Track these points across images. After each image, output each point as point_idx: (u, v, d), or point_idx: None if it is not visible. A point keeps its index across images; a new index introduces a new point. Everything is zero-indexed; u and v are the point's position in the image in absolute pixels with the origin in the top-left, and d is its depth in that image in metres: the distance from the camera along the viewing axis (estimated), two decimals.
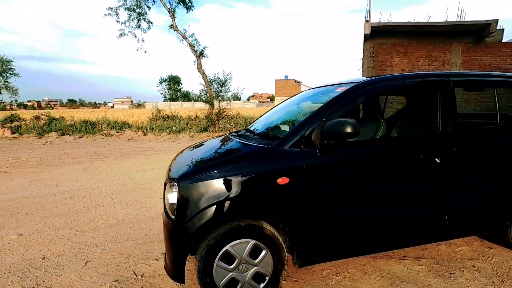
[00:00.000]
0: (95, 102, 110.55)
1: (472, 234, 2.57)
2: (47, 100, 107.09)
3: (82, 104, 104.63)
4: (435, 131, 2.23)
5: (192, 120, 15.52)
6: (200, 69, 15.97)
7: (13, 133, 13.35)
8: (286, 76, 62.45)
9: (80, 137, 12.74)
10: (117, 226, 3.44)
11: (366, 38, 11.97)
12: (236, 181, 1.85)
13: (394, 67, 11.66)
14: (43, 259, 2.72)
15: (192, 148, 2.69)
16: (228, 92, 15.89)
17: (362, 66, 13.40)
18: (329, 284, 2.23)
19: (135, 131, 13.20)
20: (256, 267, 1.91)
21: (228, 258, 1.87)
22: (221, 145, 2.43)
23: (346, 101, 2.10)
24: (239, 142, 2.29)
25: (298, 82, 59.53)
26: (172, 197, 1.88)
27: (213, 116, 14.98)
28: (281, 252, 1.95)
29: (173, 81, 58.82)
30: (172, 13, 15.61)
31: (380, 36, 11.85)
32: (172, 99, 58.76)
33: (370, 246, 2.14)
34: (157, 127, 14.26)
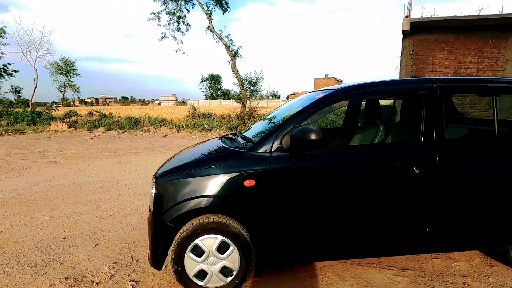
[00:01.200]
0: (144, 99, 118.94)
1: (462, 249, 2.42)
2: (104, 97, 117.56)
3: (133, 101, 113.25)
4: (418, 139, 2.16)
5: (224, 118, 16.03)
6: (234, 68, 16.43)
7: (69, 127, 15.09)
8: (326, 75, 60.92)
9: (123, 132, 13.97)
10: (130, 215, 3.83)
11: (405, 34, 11.28)
12: (206, 180, 2.02)
13: (437, 65, 10.83)
14: (64, 239, 3.17)
15: (187, 148, 2.93)
16: (260, 91, 16.10)
17: (400, 65, 12.67)
18: (302, 285, 2.30)
19: (170, 128, 14.07)
20: (223, 262, 2.07)
21: (198, 251, 2.05)
22: (207, 146, 2.62)
23: (316, 109, 2.15)
24: (221, 145, 2.45)
25: (339, 81, 57.66)
26: (153, 192, 2.12)
27: (244, 115, 15.33)
28: (248, 249, 2.07)
29: (214, 80, 60.96)
30: (209, 15, 16.25)
31: (421, 32, 11.06)
32: (213, 97, 60.95)
33: (332, 253, 2.17)
34: (191, 124, 15.01)
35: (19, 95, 33.00)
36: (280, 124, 2.13)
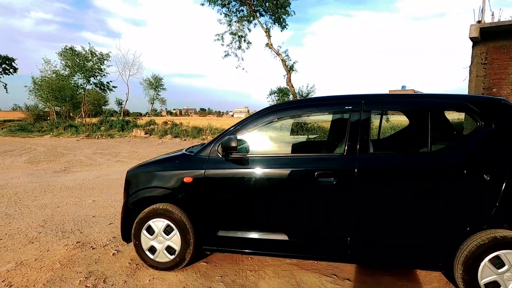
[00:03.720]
0: (220, 111, 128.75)
1: (388, 265, 2.37)
2: (186, 109, 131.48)
3: (210, 112, 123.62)
4: (341, 152, 2.31)
5: None
6: (289, 82, 16.93)
7: (146, 134, 17.80)
8: (403, 87, 55.92)
9: (185, 140, 15.81)
10: None
11: (476, 42, 10.07)
12: (159, 175, 2.60)
13: None
14: (93, 217, 4.14)
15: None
16: None
17: (470, 75, 11.23)
18: (238, 275, 2.62)
19: None
20: (168, 242, 2.58)
21: (151, 230, 2.61)
22: (176, 151, 3.19)
23: (251, 120, 2.51)
24: (184, 149, 2.98)
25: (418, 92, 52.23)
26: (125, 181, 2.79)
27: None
28: (187, 234, 2.53)
29: (282, 93, 62.37)
30: (268, 33, 17.25)
31: (497, 38, 9.74)
32: None
33: (253, 245, 2.43)
34: None
35: (121, 106, 40.21)
36: (221, 133, 2.56)
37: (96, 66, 24.94)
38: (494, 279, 2.09)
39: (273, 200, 2.40)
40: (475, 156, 2.13)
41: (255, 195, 2.42)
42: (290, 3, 16.75)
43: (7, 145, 13.55)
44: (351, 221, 2.27)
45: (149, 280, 2.50)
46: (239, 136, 2.64)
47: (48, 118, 28.01)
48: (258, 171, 2.41)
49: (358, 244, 2.26)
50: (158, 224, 2.58)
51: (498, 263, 2.09)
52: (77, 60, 24.24)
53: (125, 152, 11.26)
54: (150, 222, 2.60)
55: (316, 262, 2.84)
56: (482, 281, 2.11)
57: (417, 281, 2.56)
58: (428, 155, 2.19)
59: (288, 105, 2.54)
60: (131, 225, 2.68)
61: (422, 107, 2.31)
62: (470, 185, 2.10)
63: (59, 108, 29.16)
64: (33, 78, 26.06)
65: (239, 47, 17.81)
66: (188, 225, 2.54)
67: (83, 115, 26.68)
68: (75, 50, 24.56)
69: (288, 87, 17.09)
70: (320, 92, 19.68)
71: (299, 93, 16.58)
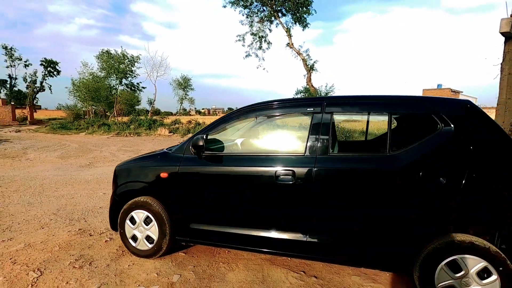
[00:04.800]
0: None
1: (347, 264, 2.39)
2: (214, 108, 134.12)
3: None
4: (302, 152, 2.39)
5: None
6: (309, 82, 16.80)
7: (169, 132, 18.62)
8: (439, 85, 52.60)
9: None
10: None
11: (508, 37, 9.38)
12: (141, 170, 2.85)
13: None
14: (100, 208, 4.53)
15: None
16: None
17: (501, 73, 10.45)
18: (210, 266, 2.79)
19: None
20: (147, 231, 2.82)
21: (133, 221, 2.87)
22: (160, 149, 3.42)
23: (222, 121, 2.67)
24: (166, 148, 3.21)
25: (456, 92, 48.79)
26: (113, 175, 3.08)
27: None
28: (164, 225, 2.75)
29: (308, 92, 61.58)
30: (288, 32, 17.24)
31: None
32: None
33: (221, 239, 2.58)
34: None
35: (152, 106, 42.33)
36: (196, 132, 2.75)
37: (127, 68, 26.47)
38: (450, 283, 2.07)
39: (238, 196, 2.54)
40: (431, 158, 2.11)
41: (222, 191, 2.58)
42: (311, 2, 16.61)
43: (47, 141, 14.92)
44: (309, 218, 2.35)
45: (129, 265, 2.76)
46: (214, 136, 2.81)
47: (86, 116, 30.22)
48: (226, 169, 2.56)
49: (315, 241, 2.33)
50: (139, 215, 2.83)
51: (455, 267, 2.06)
52: (112, 62, 25.95)
53: (147, 150, 11.91)
54: (133, 213, 2.86)
55: (289, 259, 2.93)
56: (439, 285, 2.10)
57: (384, 283, 2.57)
58: (386, 157, 2.20)
59: (255, 106, 2.66)
60: (117, 215, 2.96)
61: (382, 109, 2.31)
62: (425, 188, 2.09)
63: (95, 108, 31.31)
64: (72, 80, 28.30)
65: (260, 47, 17.99)
66: (165, 217, 2.75)
67: (115, 114, 28.42)
68: (111, 53, 26.32)
69: (308, 87, 16.96)
70: (339, 91, 19.25)
71: (318, 93, 16.40)
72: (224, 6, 17.19)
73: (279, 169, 2.36)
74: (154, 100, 30.44)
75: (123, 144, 14.04)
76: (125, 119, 25.27)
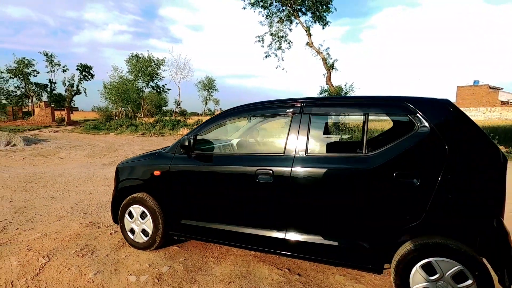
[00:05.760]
0: None
1: (323, 261, 2.39)
2: None
3: None
4: (281, 152, 2.45)
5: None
6: (328, 81, 16.54)
7: None
8: (476, 82, 49.17)
9: None
10: None
11: None
12: (138, 169, 3.06)
13: None
14: None
15: None
16: None
17: None
18: (200, 260, 2.94)
19: None
20: (143, 225, 3.03)
21: (131, 215, 3.09)
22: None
23: (209, 122, 2.81)
24: (161, 148, 3.40)
25: (495, 88, 45.29)
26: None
27: (340, 125, 15.17)
28: (157, 220, 2.94)
29: (328, 92, 60.34)
30: (308, 31, 17.08)
31: None
32: None
33: (208, 234, 2.71)
34: None
35: (179, 107, 43.97)
36: (186, 134, 2.91)
37: (154, 71, 27.65)
38: (425, 285, 2.04)
39: (221, 194, 2.66)
40: (406, 159, 2.09)
41: (207, 189, 2.71)
42: (332, 0, 16.34)
43: (79, 141, 16.03)
44: (287, 216, 2.41)
45: (125, 256, 2.98)
46: (203, 136, 2.96)
47: (116, 117, 31.94)
48: (210, 167, 2.70)
49: (293, 239, 2.39)
50: (136, 210, 3.05)
51: (430, 270, 2.03)
52: (140, 65, 27.28)
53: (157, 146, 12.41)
54: (131, 208, 3.08)
55: (277, 256, 3.00)
56: (414, 287, 2.08)
57: (368, 284, 2.56)
58: (361, 157, 2.21)
59: (238, 108, 2.77)
60: (118, 209, 3.20)
61: (359, 109, 2.32)
62: (399, 189, 2.08)
63: (125, 109, 33.00)
64: (104, 83, 30.07)
65: (279, 48, 17.98)
66: (159, 212, 2.94)
67: (142, 115, 29.78)
68: (139, 57, 27.66)
69: (328, 86, 16.69)
70: (359, 90, 18.69)
71: (338, 92, 16.09)
72: (244, 8, 17.38)
73: (259, 168, 2.45)
74: (180, 101, 31.53)
75: (146, 143, 14.72)
76: (151, 119, 26.43)
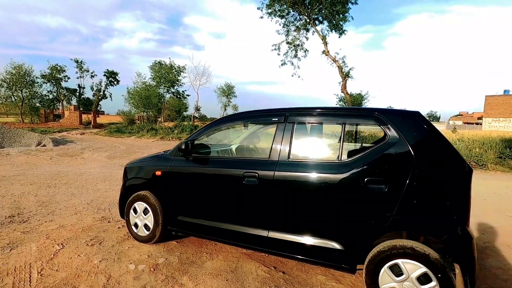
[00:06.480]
0: None
1: (298, 259, 2.56)
2: None
3: None
4: (266, 157, 2.68)
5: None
6: (344, 89, 16.53)
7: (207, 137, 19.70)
8: (506, 91, 46.84)
9: None
10: None
11: None
12: (143, 169, 3.39)
13: None
14: None
15: None
16: None
17: None
18: (195, 255, 3.19)
19: None
20: (145, 220, 3.33)
21: (135, 211, 3.42)
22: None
23: (206, 128, 3.09)
24: (164, 151, 3.71)
25: None
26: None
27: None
28: (157, 216, 3.23)
29: (344, 100, 59.59)
30: (324, 40, 17.23)
31: None
32: None
33: (201, 230, 2.95)
34: None
35: (199, 112, 45.21)
36: (186, 138, 3.21)
37: (174, 78, 28.72)
38: (393, 286, 2.18)
39: (213, 194, 2.92)
40: (376, 166, 2.25)
41: (201, 189, 2.98)
42: (349, 9, 16.44)
43: (102, 143, 16.96)
44: (270, 216, 2.62)
45: (128, 247, 3.29)
46: (203, 141, 3.25)
47: (138, 121, 33.34)
48: (205, 169, 2.97)
49: (274, 237, 2.59)
50: (140, 206, 3.37)
51: (398, 271, 2.17)
52: (162, 72, 28.49)
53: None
54: (135, 204, 3.40)
55: (266, 255, 3.20)
56: (382, 287, 2.21)
57: (347, 284, 2.70)
58: (336, 164, 2.39)
59: (231, 117, 3.03)
60: (124, 205, 3.54)
61: (336, 119, 2.50)
62: (369, 194, 2.24)
63: (146, 114, 34.40)
64: (127, 88, 31.59)
65: (295, 56, 18.23)
66: (159, 209, 3.24)
67: (162, 120, 30.88)
68: (162, 64, 28.90)
69: (343, 94, 16.68)
70: (374, 99, 18.48)
71: (352, 101, 16.04)
72: (261, 17, 17.84)
73: (246, 171, 2.69)
74: (200, 107, 32.56)
75: (164, 147, 15.32)
76: (171, 124, 27.37)
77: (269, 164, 2.62)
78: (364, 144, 2.37)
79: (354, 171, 2.29)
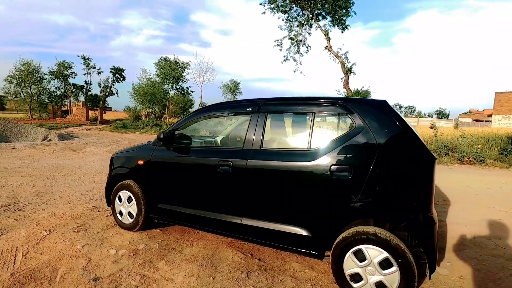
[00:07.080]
0: None
1: (269, 245, 2.65)
2: None
3: None
4: (241, 146, 2.74)
5: None
6: (346, 85, 16.42)
7: (210, 133, 19.86)
8: None
9: None
10: None
11: None
12: (127, 159, 3.49)
13: None
14: None
15: None
16: None
17: None
18: (175, 242, 3.28)
19: None
20: (129, 208, 3.44)
21: (120, 199, 3.52)
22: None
23: (185, 119, 3.16)
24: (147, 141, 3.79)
25: None
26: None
27: None
28: (140, 204, 3.33)
29: (359, 95, 59.04)
30: (327, 35, 17.11)
31: None
32: None
33: (180, 217, 3.04)
34: None
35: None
36: (167, 128, 3.29)
37: (179, 74, 28.88)
38: (356, 271, 2.23)
39: (191, 182, 2.99)
40: (341, 154, 2.28)
41: (179, 177, 3.06)
42: (352, 4, 16.27)
43: (106, 138, 17.24)
44: (243, 204, 2.68)
45: (112, 234, 3.40)
46: (182, 131, 3.33)
47: (144, 117, 33.69)
48: (183, 159, 3.05)
49: (247, 224, 2.65)
50: (124, 195, 3.47)
51: (361, 256, 2.21)
52: (168, 68, 28.70)
53: None
54: (120, 193, 3.51)
55: (245, 243, 3.27)
56: (347, 272, 2.27)
57: (319, 271, 2.75)
58: (305, 152, 2.44)
59: (208, 107, 3.10)
60: (110, 194, 3.65)
61: (304, 108, 2.54)
62: (334, 181, 2.28)
63: (151, 110, 34.72)
64: (133, 84, 31.89)
65: (298, 51, 18.16)
66: (142, 197, 3.33)
67: (167, 116, 31.13)
68: (167, 60, 29.10)
69: (346, 90, 16.58)
70: (375, 94, 18.29)
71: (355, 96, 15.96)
72: (264, 13, 17.80)
73: (221, 160, 2.75)
74: (204, 103, 32.60)
75: None
76: (175, 120, 27.57)
77: (242, 153, 2.68)
78: (340, 133, 2.40)
79: (320, 159, 2.33)
